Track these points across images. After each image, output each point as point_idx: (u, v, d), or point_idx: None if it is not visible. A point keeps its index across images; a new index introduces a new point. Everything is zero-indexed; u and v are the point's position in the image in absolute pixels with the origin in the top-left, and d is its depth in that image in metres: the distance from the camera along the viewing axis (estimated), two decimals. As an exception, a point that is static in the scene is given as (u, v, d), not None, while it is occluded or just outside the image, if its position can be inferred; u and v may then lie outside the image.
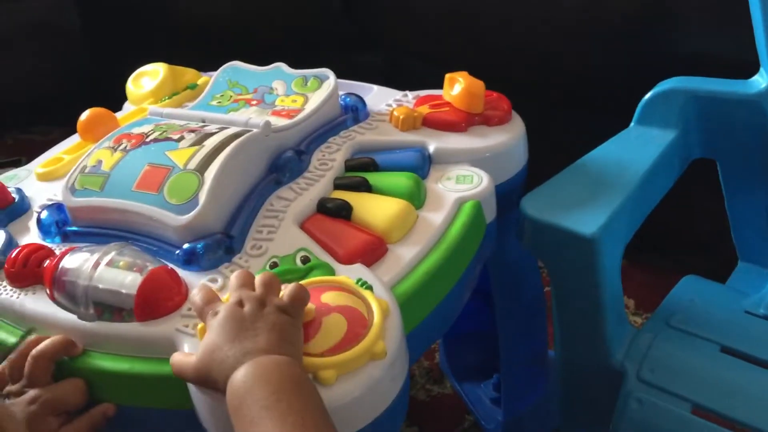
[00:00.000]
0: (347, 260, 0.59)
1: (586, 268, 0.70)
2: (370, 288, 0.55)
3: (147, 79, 0.86)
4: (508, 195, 0.74)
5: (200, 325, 0.52)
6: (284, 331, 0.49)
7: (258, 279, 0.52)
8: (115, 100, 0.87)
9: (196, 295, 0.52)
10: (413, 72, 0.87)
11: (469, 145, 0.73)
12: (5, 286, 0.59)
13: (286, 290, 0.52)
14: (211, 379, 0.48)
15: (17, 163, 1.36)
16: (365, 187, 0.67)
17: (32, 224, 0.65)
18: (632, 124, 0.84)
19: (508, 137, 0.75)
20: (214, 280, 0.57)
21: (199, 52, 1.05)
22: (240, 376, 0.45)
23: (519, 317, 0.89)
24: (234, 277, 0.53)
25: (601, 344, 0.73)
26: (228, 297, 0.52)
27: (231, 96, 0.77)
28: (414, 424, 1.03)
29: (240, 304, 0.50)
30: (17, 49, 1.57)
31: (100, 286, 0.55)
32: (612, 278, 0.71)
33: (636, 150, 0.79)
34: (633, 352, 0.73)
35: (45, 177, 0.73)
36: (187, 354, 0.50)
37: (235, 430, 0.44)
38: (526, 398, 0.95)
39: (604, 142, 0.80)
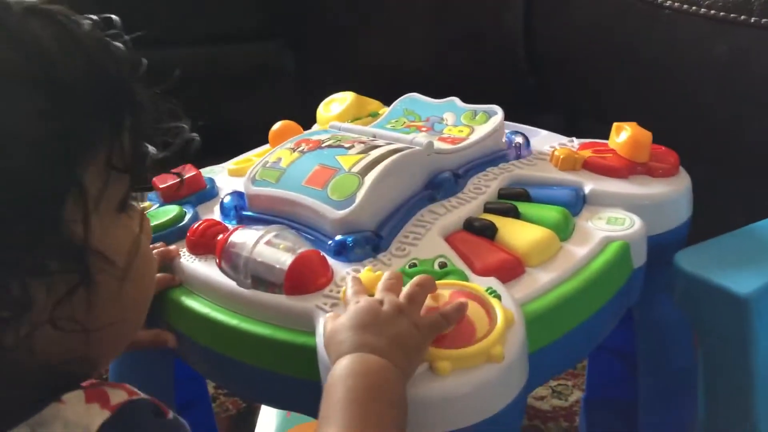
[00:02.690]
0: (483, 273, 0.61)
1: (738, 332, 0.66)
2: (498, 297, 0.57)
3: (336, 104, 0.95)
4: (664, 249, 0.72)
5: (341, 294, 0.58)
6: (408, 346, 0.51)
7: (405, 291, 0.55)
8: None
9: (350, 285, 0.58)
10: (593, 135, 0.88)
11: (627, 191, 0.73)
12: (185, 252, 0.68)
13: (426, 317, 0.54)
14: (328, 354, 0.52)
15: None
16: (513, 213, 0.69)
17: (217, 207, 0.75)
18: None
19: (671, 189, 0.73)
20: (357, 271, 0.62)
21: (384, 95, 1.12)
22: (346, 361, 0.49)
23: (665, 384, 0.84)
24: (383, 280, 0.57)
25: (749, 418, 0.68)
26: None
27: (404, 122, 0.84)
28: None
29: (381, 303, 0.54)
30: (241, 88, 1.78)
31: (258, 259, 0.62)
32: (765, 347, 0.67)
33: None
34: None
35: (235, 173, 0.83)
36: (337, 316, 0.55)
37: (320, 406, 0.47)
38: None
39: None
